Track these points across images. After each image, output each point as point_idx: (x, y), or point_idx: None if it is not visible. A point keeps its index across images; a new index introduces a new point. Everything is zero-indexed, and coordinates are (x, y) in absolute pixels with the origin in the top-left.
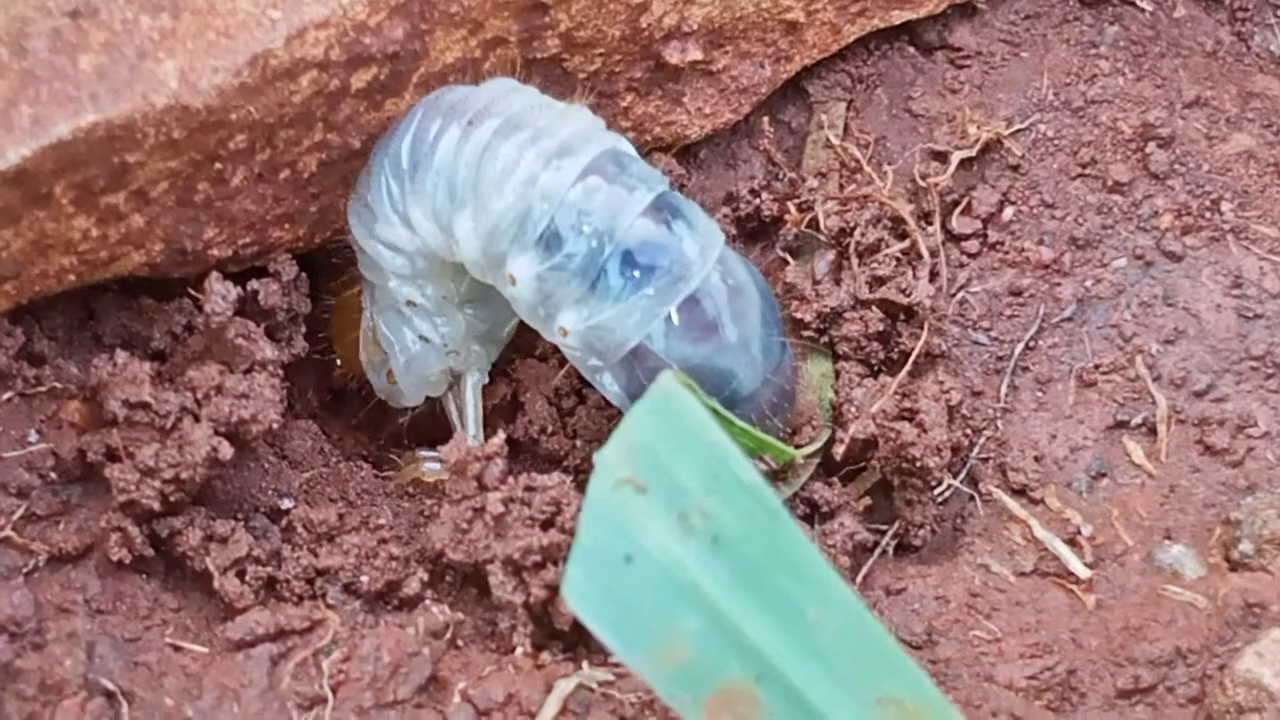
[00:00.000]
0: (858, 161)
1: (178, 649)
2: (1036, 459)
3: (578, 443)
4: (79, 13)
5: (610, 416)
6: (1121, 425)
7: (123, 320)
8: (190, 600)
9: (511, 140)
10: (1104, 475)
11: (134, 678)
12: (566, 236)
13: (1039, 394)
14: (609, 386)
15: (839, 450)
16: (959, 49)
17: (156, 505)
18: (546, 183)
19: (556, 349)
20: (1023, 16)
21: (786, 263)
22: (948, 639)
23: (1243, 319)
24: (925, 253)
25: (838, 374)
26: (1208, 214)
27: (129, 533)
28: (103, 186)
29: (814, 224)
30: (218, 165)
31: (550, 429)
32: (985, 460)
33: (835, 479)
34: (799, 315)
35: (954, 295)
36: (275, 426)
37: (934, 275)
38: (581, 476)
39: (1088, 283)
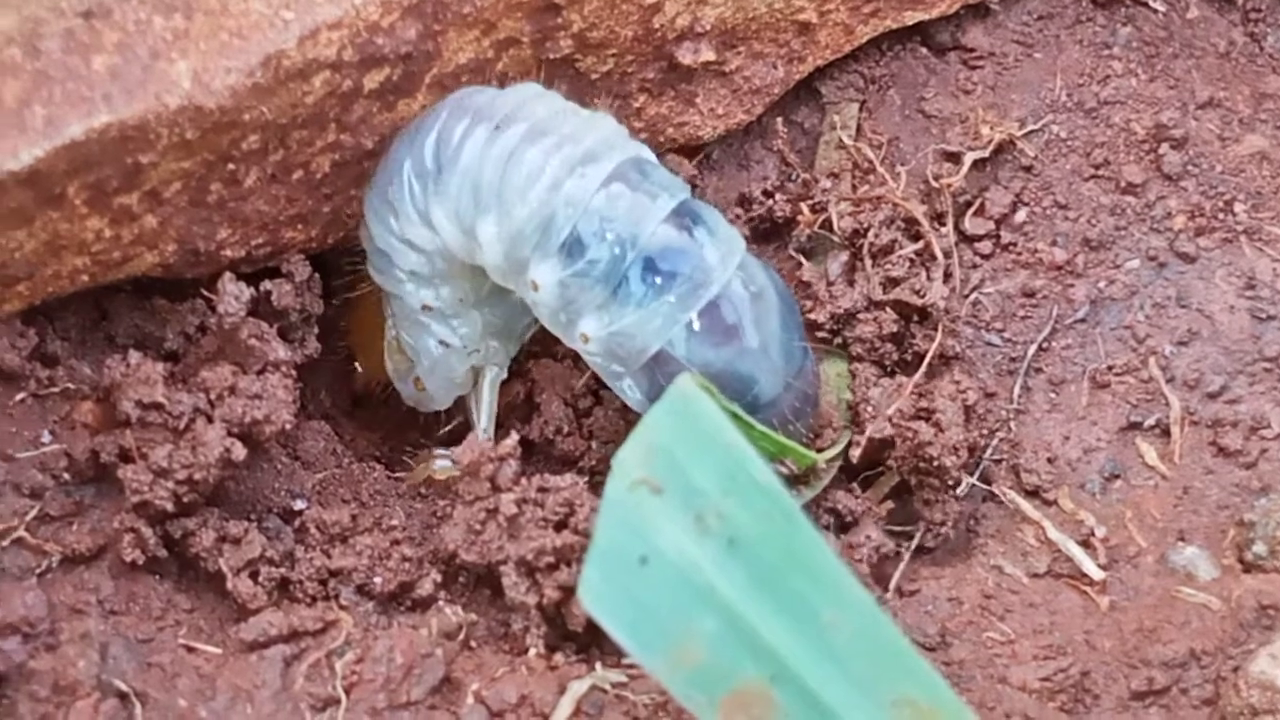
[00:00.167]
0: (871, 162)
1: (191, 650)
2: (1050, 460)
3: (593, 444)
4: (92, 13)
5: (627, 418)
6: (1135, 427)
7: (136, 321)
8: (203, 601)
9: (537, 146)
10: (1117, 477)
11: (147, 679)
12: (589, 243)
13: (1052, 395)
14: (630, 393)
15: (856, 453)
16: (972, 50)
17: (169, 506)
18: (570, 190)
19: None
20: (1036, 17)
21: (800, 264)
22: (961, 640)
23: (1256, 320)
24: (939, 254)
25: (853, 375)
26: (1221, 215)
27: (142, 533)
28: (116, 187)
29: (827, 225)
30: (231, 166)
31: (566, 430)
32: (998, 462)
33: (855, 485)
34: (813, 316)
35: (967, 296)
36: (288, 427)
37: (947, 276)
38: (597, 478)
39: (1101, 284)
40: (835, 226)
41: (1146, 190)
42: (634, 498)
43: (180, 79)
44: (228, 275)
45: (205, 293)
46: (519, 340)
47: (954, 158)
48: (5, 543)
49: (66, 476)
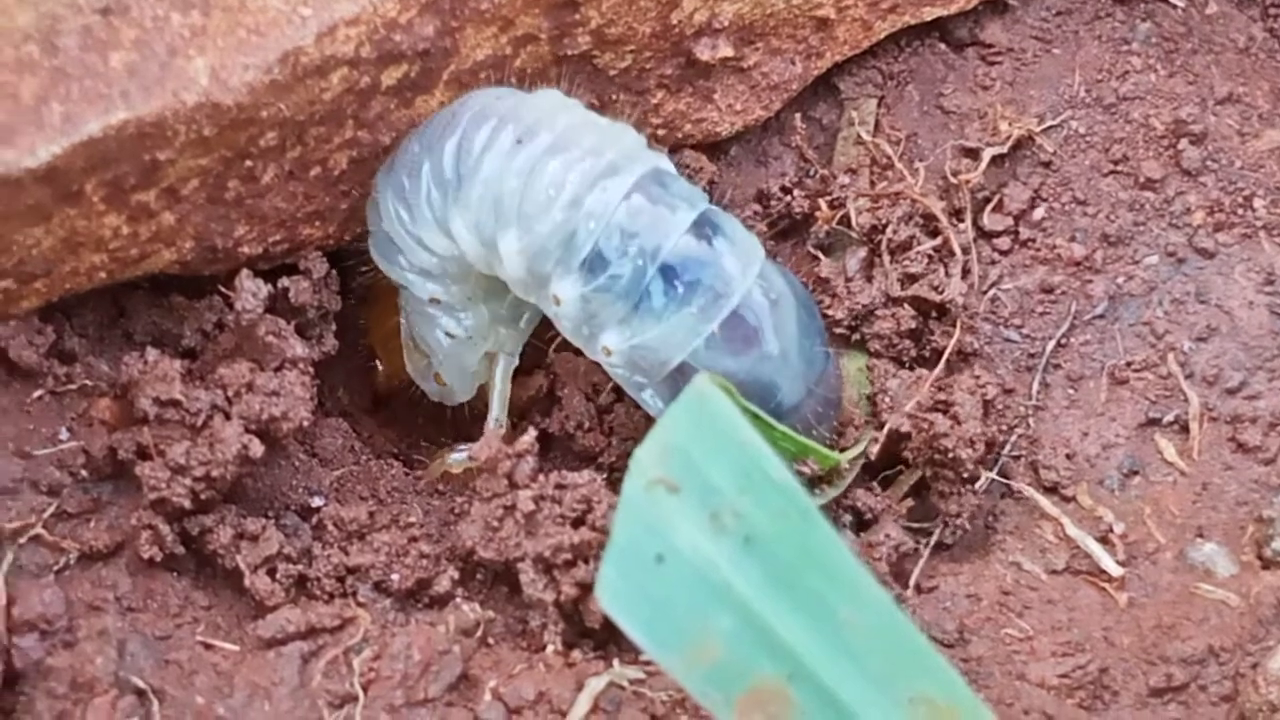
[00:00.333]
0: (889, 158)
1: (208, 647)
2: (1068, 456)
3: (613, 440)
4: (110, 10)
5: (647, 415)
6: (1153, 423)
7: (153, 318)
8: (221, 598)
9: (558, 160)
10: (1136, 473)
11: (165, 676)
12: (611, 258)
13: (1071, 391)
14: (652, 403)
15: (875, 448)
16: (990, 45)
17: (187, 503)
18: (592, 205)
19: None
20: (1054, 13)
21: (818, 260)
22: (979, 637)
23: (1275, 316)
24: (957, 250)
25: (871, 369)
26: (1240, 210)
27: (160, 530)
28: (133, 184)
29: (845, 221)
30: (248, 163)
31: (587, 425)
32: (1017, 458)
33: (875, 483)
34: (831, 313)
35: (985, 293)
36: (306, 424)
37: (966, 272)
38: (616, 474)
39: (1119, 280)
40: (853, 223)
41: (1165, 186)
42: (651, 497)
43: (198, 76)
44: (245, 272)
45: (223, 290)
46: (529, 326)
47: (972, 154)
48: (23, 540)
49: (84, 474)
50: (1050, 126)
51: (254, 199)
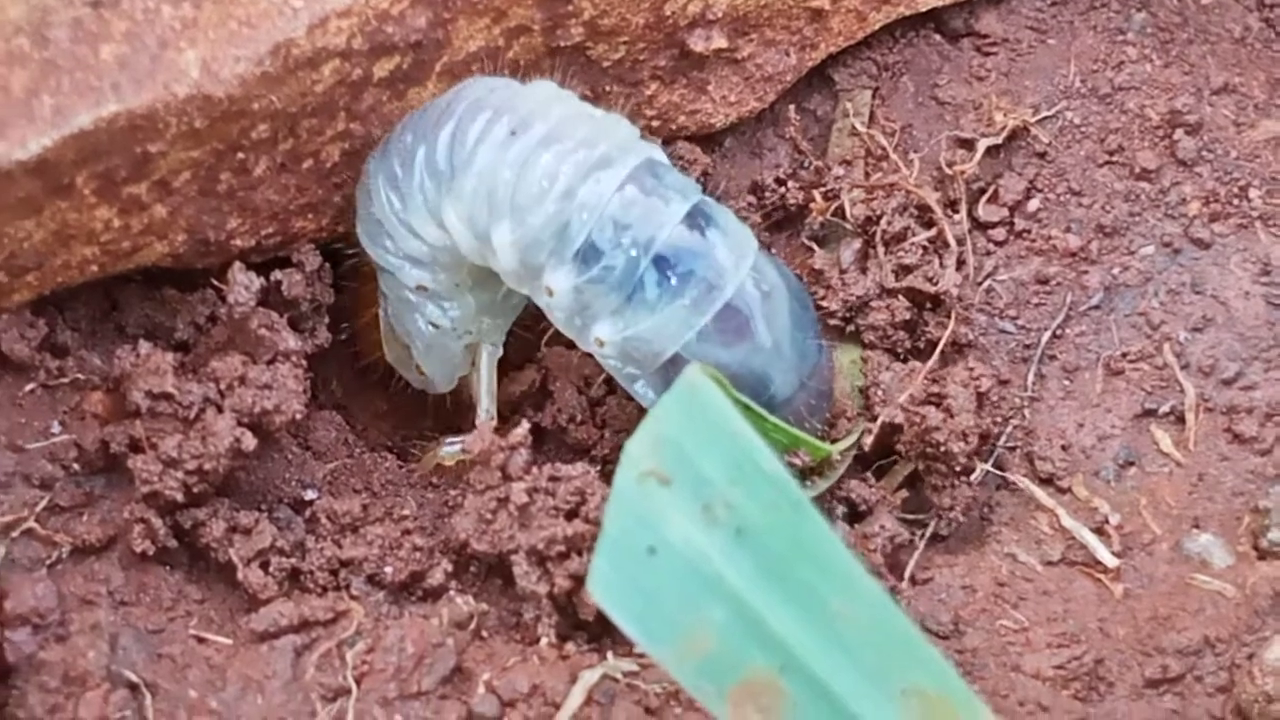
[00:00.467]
0: (884, 149)
1: (201, 640)
2: (1064, 448)
3: (606, 433)
4: (100, 2)
5: (639, 408)
6: (1149, 414)
7: (146, 311)
8: (214, 592)
9: (552, 151)
10: (1132, 464)
11: (157, 669)
12: (604, 250)
13: (1066, 382)
14: (644, 394)
15: (868, 440)
16: (985, 36)
17: (179, 496)
18: (585, 196)
19: None
20: (1049, 3)
21: (812, 251)
22: (975, 628)
23: (1271, 306)
24: (952, 241)
25: (865, 362)
26: (1236, 201)
27: (152, 524)
28: (125, 177)
29: (840, 212)
30: (240, 155)
31: (579, 418)
32: (1012, 449)
33: (869, 474)
34: (825, 304)
35: (980, 284)
36: (298, 417)
37: (960, 263)
38: (609, 466)
39: (1115, 270)
40: (848, 214)
41: (1161, 176)
42: (642, 489)
43: (189, 68)
44: (238, 265)
45: (215, 283)
46: (513, 314)
47: (967, 144)
48: (15, 534)
49: (76, 467)
50: (1045, 117)
51: (246, 191)
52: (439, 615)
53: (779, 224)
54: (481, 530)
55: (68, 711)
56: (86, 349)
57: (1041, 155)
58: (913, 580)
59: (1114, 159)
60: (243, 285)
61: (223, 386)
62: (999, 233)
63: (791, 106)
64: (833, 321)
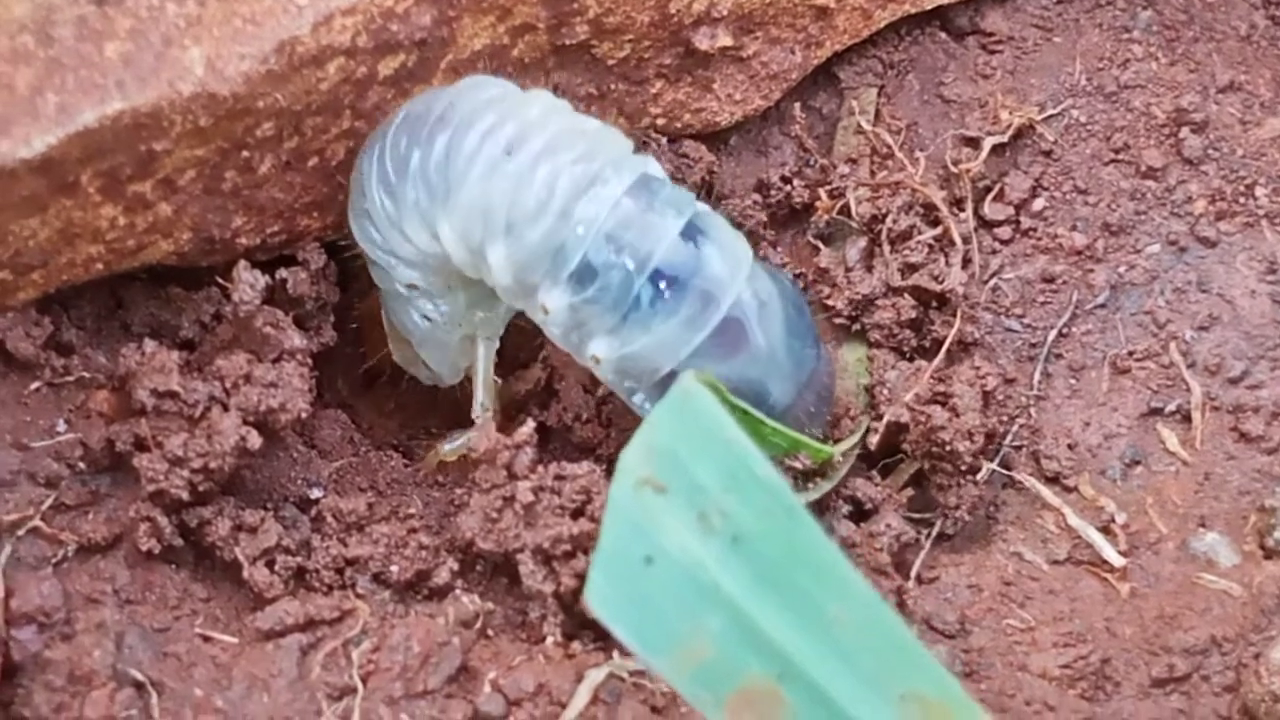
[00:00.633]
0: (889, 148)
1: (207, 639)
2: (1070, 447)
3: (612, 432)
4: (105, 0)
5: None
6: (1155, 412)
7: (151, 309)
8: (219, 590)
9: (546, 168)
10: (1138, 463)
11: (163, 668)
12: (599, 269)
13: (1072, 381)
14: (643, 406)
15: (874, 439)
16: (991, 34)
17: (185, 495)
18: (580, 214)
19: None
20: (1055, 1)
21: (818, 250)
22: (981, 628)
23: (1277, 305)
24: (957, 239)
25: (870, 360)
26: (1242, 199)
27: (158, 523)
28: (130, 175)
29: (845, 211)
30: (245, 153)
31: (585, 417)
32: (1018, 448)
33: (875, 473)
34: (831, 302)
35: (986, 282)
36: (304, 415)
37: (966, 262)
38: (614, 465)
39: (1121, 269)
40: (854, 212)
41: (1167, 175)
42: (638, 498)
43: (193, 66)
44: (243, 263)
45: (220, 281)
46: (509, 312)
47: (973, 143)
48: (21, 532)
49: (82, 466)
50: (1051, 115)
51: (251, 190)
52: (445, 614)
53: (784, 222)
54: (487, 529)
55: (73, 710)
56: (91, 347)
57: (1047, 153)
58: (919, 579)
59: (1120, 157)
60: (248, 283)
61: (228, 385)
62: (1005, 231)
63: (797, 104)
64: (838, 320)
